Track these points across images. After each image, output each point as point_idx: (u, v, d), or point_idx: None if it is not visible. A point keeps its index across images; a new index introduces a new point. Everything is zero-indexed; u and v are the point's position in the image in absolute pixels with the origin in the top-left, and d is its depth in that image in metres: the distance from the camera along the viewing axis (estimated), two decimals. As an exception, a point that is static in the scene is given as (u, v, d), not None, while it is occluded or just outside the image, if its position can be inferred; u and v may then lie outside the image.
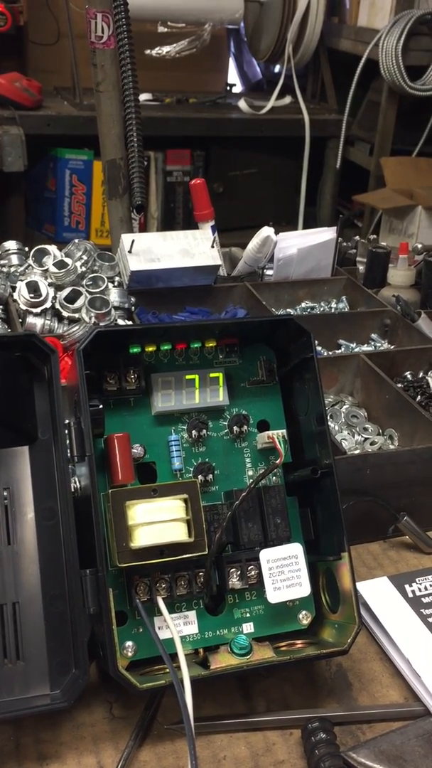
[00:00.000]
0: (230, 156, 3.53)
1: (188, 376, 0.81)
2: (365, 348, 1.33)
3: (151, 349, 0.81)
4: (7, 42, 3.22)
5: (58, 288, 1.19)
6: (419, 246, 1.61)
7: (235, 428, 0.82)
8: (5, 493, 0.75)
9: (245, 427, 0.82)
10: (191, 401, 0.81)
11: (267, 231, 1.40)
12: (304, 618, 0.81)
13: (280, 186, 3.57)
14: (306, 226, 3.42)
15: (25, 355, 0.76)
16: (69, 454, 0.74)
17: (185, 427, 0.81)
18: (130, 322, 1.18)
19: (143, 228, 1.66)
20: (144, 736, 0.74)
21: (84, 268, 1.23)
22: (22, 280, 1.19)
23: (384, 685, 0.81)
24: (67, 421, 0.75)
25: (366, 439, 1.13)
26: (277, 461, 0.80)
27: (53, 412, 0.75)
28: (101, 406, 0.75)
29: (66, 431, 0.74)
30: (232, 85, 3.93)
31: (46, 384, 0.76)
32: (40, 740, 0.73)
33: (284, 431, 0.82)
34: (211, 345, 0.83)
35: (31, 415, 0.76)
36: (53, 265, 1.20)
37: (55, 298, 1.17)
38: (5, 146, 2.89)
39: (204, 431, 0.81)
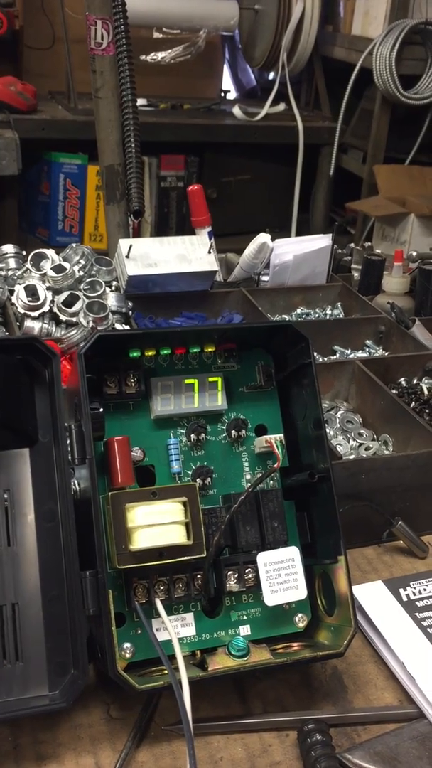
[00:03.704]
0: (224, 162, 3.54)
1: (187, 381, 0.82)
2: (360, 354, 1.34)
3: (150, 353, 0.81)
4: (2, 46, 3.24)
5: (56, 292, 1.19)
6: (414, 254, 1.63)
7: (233, 432, 0.83)
8: (5, 495, 0.75)
9: (243, 431, 0.83)
10: (190, 405, 0.82)
11: (263, 237, 1.41)
12: (300, 621, 0.81)
13: (274, 192, 3.58)
14: (299, 233, 3.44)
15: (26, 358, 0.76)
16: (69, 457, 0.74)
17: (184, 431, 0.82)
18: (127, 327, 1.18)
19: (137, 233, 1.67)
20: (141, 737, 0.75)
21: (82, 273, 1.24)
22: (20, 284, 1.19)
23: (379, 687, 0.82)
24: (67, 424, 0.76)
25: (361, 444, 1.14)
26: (275, 465, 0.81)
27: (54, 415, 0.76)
28: (102, 410, 0.76)
29: (66, 434, 0.75)
30: (226, 92, 3.95)
31: (46, 387, 0.77)
32: (39, 741, 0.73)
33: (282, 436, 0.83)
34: (210, 350, 0.83)
35: (31, 418, 0.76)
36: (51, 269, 1.21)
37: (53, 302, 1.17)
38: (-1, 150, 2.90)
39: (203, 435, 0.82)
